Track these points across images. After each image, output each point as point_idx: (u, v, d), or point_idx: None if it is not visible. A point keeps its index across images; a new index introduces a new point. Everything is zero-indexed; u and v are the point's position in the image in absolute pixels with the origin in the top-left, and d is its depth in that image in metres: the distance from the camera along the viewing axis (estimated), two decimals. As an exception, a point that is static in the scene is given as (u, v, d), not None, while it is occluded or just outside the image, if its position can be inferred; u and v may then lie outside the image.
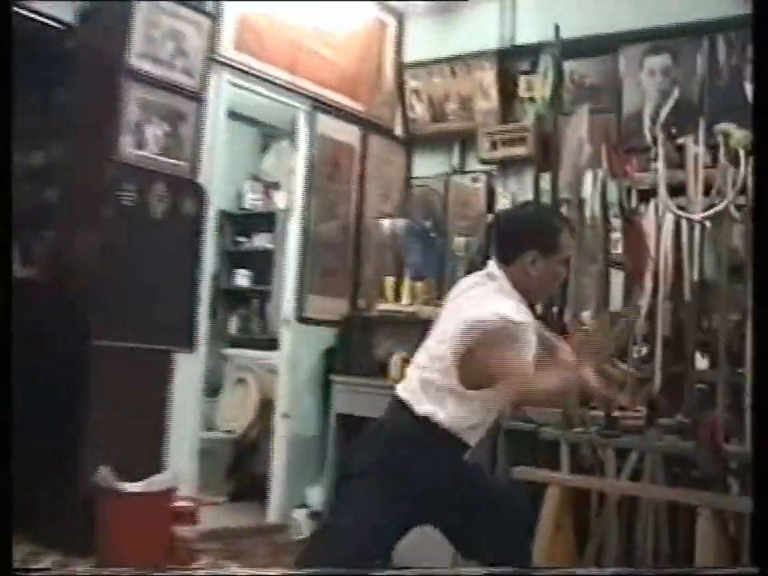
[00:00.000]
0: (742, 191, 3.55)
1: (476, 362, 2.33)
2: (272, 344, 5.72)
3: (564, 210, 3.84)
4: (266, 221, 6.60)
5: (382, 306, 5.29)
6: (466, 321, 2.37)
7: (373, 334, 5.28)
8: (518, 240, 2.46)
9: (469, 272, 2.82)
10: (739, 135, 3.57)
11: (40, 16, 4.24)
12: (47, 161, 4.54)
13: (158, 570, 2.89)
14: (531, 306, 2.52)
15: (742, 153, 3.54)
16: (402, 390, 2.51)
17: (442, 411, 2.38)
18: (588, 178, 3.93)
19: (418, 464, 2.37)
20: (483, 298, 2.39)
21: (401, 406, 2.45)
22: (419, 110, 5.68)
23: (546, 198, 4.22)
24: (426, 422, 2.39)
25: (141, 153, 4.27)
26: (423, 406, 2.40)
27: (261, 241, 6.73)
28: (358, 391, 5.01)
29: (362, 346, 5.24)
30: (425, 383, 2.44)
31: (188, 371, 4.48)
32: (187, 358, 4.46)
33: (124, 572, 2.83)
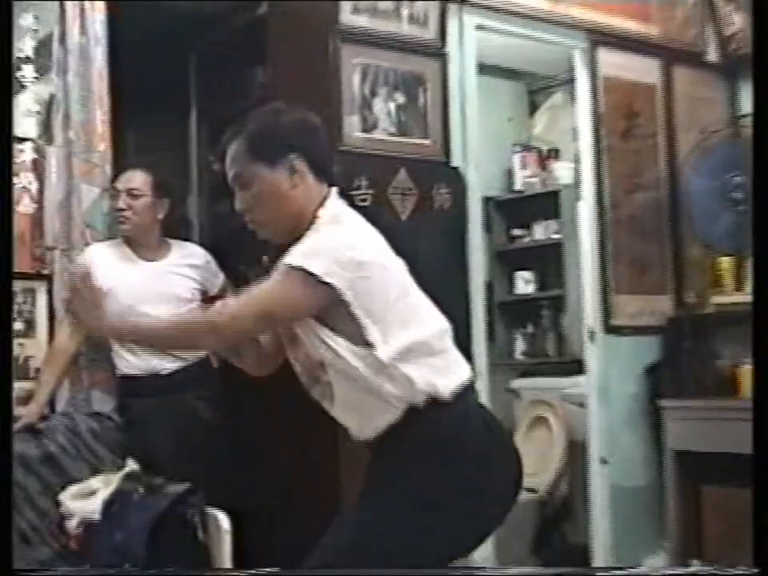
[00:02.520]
0: None
1: None
2: (574, 367, 5.75)
3: None
4: (548, 204, 6.59)
5: (720, 299, 5.23)
6: None
7: (710, 338, 5.22)
8: None
9: None
10: None
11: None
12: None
13: (158, 571, 3.25)
14: None
15: None
16: None
17: None
18: None
19: None
20: None
21: None
22: (739, 23, 5.58)
23: None
24: None
25: (372, 135, 4.44)
26: None
27: (544, 231, 6.72)
28: (699, 418, 4.99)
29: (696, 357, 5.18)
30: None
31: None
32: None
33: (124, 572, 3.34)
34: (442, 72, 4.70)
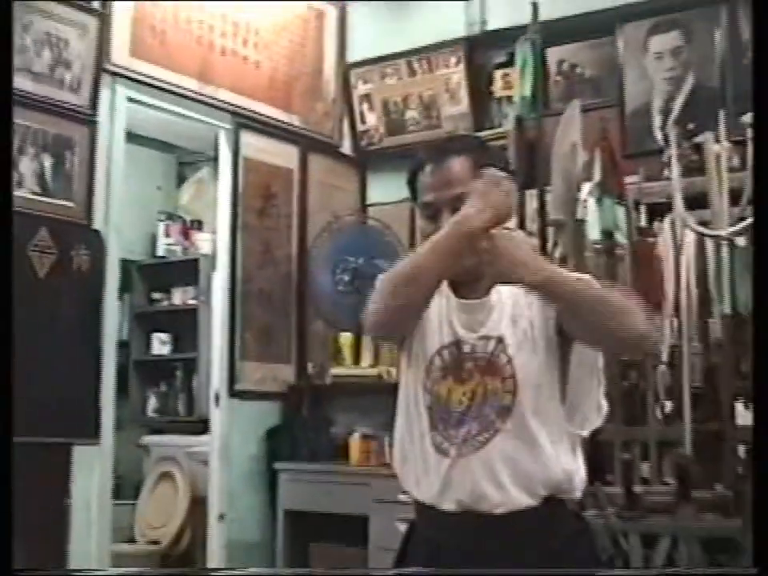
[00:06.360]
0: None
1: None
2: (201, 427, 5.72)
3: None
4: (187, 271, 6.60)
5: (338, 371, 5.32)
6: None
7: (327, 407, 5.30)
8: None
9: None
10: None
11: None
12: None
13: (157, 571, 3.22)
14: None
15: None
16: None
17: None
18: (585, 192, 3.94)
19: None
20: None
21: None
22: (372, 120, 5.73)
23: (533, 223, 4.23)
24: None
25: (16, 193, 4.19)
26: None
27: (182, 296, 6.73)
28: (311, 481, 5.02)
29: (313, 424, 5.25)
30: None
31: (92, 468, 4.47)
32: (91, 452, 4.45)
33: (125, 572, 3.37)
34: (91, 138, 4.59)
